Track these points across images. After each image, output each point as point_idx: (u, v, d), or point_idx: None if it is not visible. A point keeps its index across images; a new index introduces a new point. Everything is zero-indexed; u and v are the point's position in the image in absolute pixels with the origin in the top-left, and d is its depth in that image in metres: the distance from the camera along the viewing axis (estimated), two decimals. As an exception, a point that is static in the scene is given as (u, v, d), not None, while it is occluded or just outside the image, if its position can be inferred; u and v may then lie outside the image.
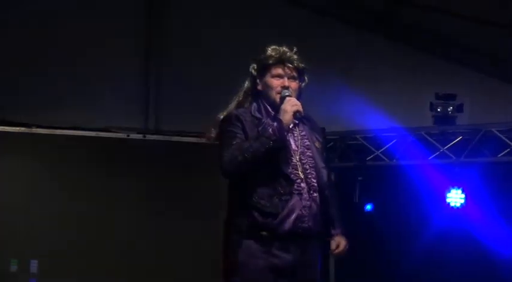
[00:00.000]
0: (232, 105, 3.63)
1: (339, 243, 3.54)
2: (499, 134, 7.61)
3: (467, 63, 9.25)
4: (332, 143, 9.00)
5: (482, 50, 9.17)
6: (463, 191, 8.23)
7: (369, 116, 8.76)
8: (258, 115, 3.53)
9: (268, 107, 3.58)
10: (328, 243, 3.56)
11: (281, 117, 3.37)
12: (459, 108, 7.26)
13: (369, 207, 9.39)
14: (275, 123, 3.39)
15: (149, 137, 8.90)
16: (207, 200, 8.16)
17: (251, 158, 3.29)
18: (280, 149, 3.38)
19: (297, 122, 3.53)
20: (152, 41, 9.65)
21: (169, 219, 8.63)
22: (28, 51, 9.03)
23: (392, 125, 8.05)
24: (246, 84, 3.65)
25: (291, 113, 3.36)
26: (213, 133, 3.55)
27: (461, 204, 8.56)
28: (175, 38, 9.67)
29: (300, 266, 3.39)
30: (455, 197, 8.32)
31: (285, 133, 3.41)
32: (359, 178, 8.81)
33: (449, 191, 8.33)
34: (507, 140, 7.84)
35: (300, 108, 3.42)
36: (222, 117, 3.54)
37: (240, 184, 3.47)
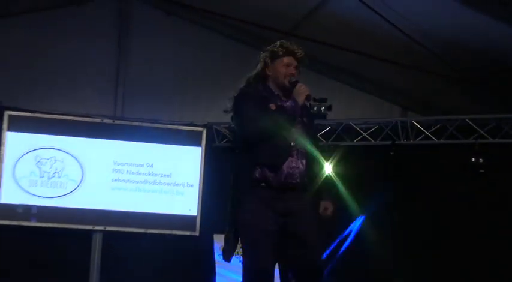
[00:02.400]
0: (243, 85, 4.21)
1: (326, 206, 4.13)
2: (354, 126, 9.61)
3: (334, 77, 10.63)
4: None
5: (347, 70, 10.57)
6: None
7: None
8: (264, 93, 4.08)
9: (272, 88, 4.11)
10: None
11: (296, 99, 3.94)
12: (329, 108, 8.72)
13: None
14: (289, 103, 3.99)
15: (117, 121, 10.17)
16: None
17: (271, 128, 3.85)
18: (294, 123, 3.96)
19: (307, 103, 4.09)
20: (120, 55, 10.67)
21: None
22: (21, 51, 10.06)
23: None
24: (257, 69, 4.18)
25: (304, 96, 3.95)
26: (229, 107, 4.17)
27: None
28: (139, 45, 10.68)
29: (293, 211, 3.92)
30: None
31: (297, 111, 3.94)
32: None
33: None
34: (360, 130, 9.72)
35: (309, 93, 3.99)
36: (236, 94, 4.14)
37: (248, 149, 4.03)
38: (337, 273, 8.13)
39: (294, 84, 3.98)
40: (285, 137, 3.89)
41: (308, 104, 4.12)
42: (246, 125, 3.95)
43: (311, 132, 4.14)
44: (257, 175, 3.90)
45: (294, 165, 3.92)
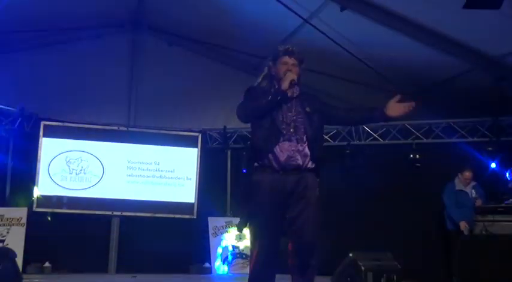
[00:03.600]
0: (255, 84, 4.04)
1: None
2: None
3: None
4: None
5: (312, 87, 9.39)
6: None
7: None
8: (267, 89, 3.90)
9: (276, 84, 3.86)
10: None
11: (281, 84, 3.74)
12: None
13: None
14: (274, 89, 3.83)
15: (130, 129, 10.58)
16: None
17: (257, 107, 3.79)
18: (276, 102, 3.73)
19: (294, 95, 3.83)
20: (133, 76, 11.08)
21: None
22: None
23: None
24: (264, 71, 4.02)
25: (288, 81, 3.70)
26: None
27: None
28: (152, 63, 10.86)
29: (296, 189, 3.67)
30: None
31: (281, 94, 3.71)
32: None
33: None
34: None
35: (295, 78, 3.74)
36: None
37: (253, 135, 3.91)
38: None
39: (285, 74, 3.81)
40: (273, 122, 3.73)
41: (292, 91, 3.80)
42: (238, 109, 3.89)
43: (314, 122, 3.81)
44: (261, 161, 3.76)
45: (293, 148, 3.69)
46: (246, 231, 9.10)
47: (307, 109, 3.82)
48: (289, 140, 3.70)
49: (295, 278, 3.75)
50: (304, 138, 3.72)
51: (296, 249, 3.70)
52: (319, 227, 3.69)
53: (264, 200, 3.70)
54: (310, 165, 3.73)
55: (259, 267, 3.71)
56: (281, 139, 3.70)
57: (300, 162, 3.70)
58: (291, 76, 3.74)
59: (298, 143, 3.71)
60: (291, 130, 3.73)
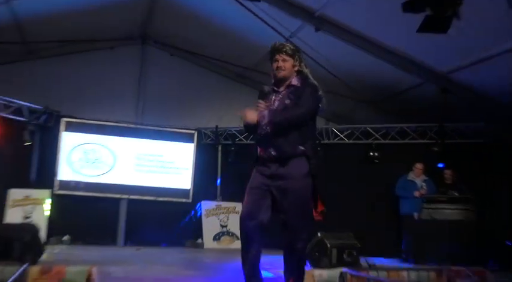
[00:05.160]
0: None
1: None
2: None
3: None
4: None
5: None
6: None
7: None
8: (267, 90, 3.67)
9: (273, 84, 3.64)
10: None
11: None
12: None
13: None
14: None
15: (138, 126, 10.53)
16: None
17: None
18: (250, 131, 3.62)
19: (263, 133, 3.47)
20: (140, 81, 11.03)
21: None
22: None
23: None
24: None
25: (245, 121, 3.49)
26: None
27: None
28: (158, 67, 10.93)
29: (277, 175, 3.46)
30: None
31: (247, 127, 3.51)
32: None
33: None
34: None
35: (251, 120, 3.43)
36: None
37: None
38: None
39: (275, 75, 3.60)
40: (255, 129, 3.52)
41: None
42: None
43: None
44: (257, 154, 3.64)
45: (271, 145, 3.48)
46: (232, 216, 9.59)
47: (287, 101, 3.52)
48: (268, 137, 3.50)
49: (284, 257, 3.57)
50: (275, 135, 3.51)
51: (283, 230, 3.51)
52: (305, 214, 3.45)
53: (252, 182, 3.61)
54: (284, 155, 3.47)
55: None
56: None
57: (276, 153, 3.47)
58: (248, 118, 3.46)
59: (273, 137, 3.47)
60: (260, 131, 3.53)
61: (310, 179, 3.48)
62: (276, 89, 3.62)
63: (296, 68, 3.60)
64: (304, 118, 3.48)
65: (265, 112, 3.45)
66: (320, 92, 3.56)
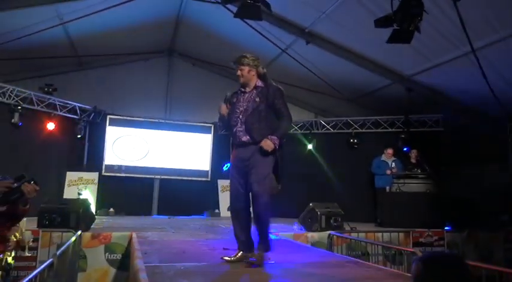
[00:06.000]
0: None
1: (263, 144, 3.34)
2: (292, 125, 9.23)
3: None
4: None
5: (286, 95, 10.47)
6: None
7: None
8: (232, 94, 3.66)
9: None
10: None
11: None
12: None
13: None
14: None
15: (167, 121, 10.34)
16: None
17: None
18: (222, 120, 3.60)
19: (248, 90, 3.48)
20: (168, 85, 10.85)
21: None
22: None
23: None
24: None
25: (220, 115, 3.56)
26: None
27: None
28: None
29: (251, 158, 3.42)
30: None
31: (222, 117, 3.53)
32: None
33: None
34: (294, 126, 9.18)
35: (222, 113, 3.53)
36: None
37: None
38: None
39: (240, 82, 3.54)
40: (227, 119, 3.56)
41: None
42: None
43: (262, 109, 3.46)
44: (232, 140, 3.60)
45: (242, 132, 3.47)
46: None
47: (257, 99, 3.47)
48: (240, 126, 3.49)
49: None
50: (250, 124, 3.46)
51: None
52: (265, 183, 3.31)
53: (232, 162, 3.64)
54: (253, 140, 3.43)
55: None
56: (238, 124, 3.52)
57: (246, 139, 3.45)
58: (222, 111, 3.58)
59: (245, 125, 3.46)
60: (241, 117, 3.49)
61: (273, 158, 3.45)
62: (243, 90, 3.57)
63: (253, 73, 3.54)
64: (291, 122, 3.52)
65: (276, 140, 3.41)
66: (284, 92, 3.55)
